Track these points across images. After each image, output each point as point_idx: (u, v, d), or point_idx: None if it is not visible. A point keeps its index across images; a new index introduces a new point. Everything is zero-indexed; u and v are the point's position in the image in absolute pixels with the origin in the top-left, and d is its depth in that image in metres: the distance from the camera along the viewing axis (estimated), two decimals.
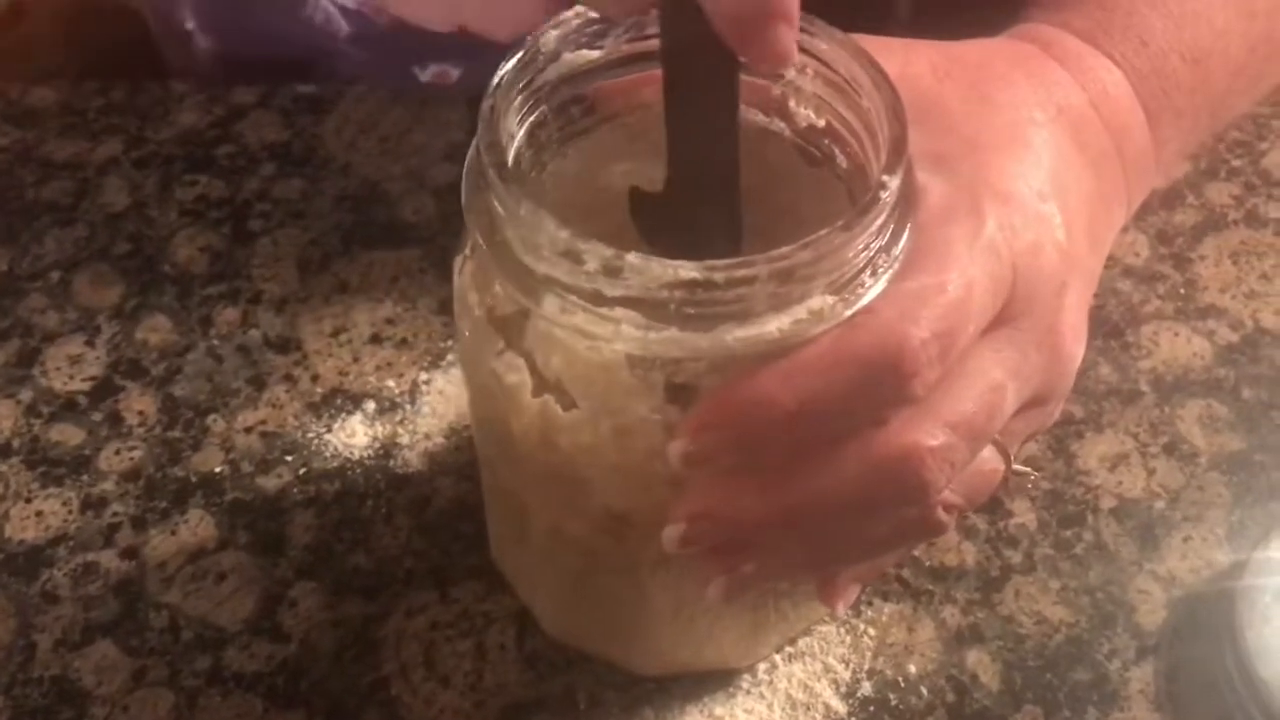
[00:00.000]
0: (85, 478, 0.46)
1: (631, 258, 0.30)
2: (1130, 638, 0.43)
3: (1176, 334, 0.51)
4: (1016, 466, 0.36)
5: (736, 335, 0.31)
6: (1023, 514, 0.46)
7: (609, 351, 0.32)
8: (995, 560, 0.45)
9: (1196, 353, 0.50)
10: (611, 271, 0.30)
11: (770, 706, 0.42)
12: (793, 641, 0.43)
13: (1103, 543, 0.45)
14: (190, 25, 0.62)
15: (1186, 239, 0.54)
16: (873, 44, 0.34)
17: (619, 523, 0.35)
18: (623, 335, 0.31)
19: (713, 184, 0.33)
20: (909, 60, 0.36)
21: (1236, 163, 0.57)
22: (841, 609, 0.42)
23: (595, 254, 0.30)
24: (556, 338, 0.33)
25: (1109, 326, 0.51)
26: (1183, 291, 0.52)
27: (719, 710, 0.41)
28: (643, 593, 0.38)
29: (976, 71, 0.37)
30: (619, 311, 0.30)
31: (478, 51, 0.59)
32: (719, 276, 0.30)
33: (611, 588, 0.39)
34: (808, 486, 0.32)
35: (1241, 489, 0.47)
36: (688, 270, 0.30)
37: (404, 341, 0.50)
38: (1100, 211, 0.38)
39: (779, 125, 0.37)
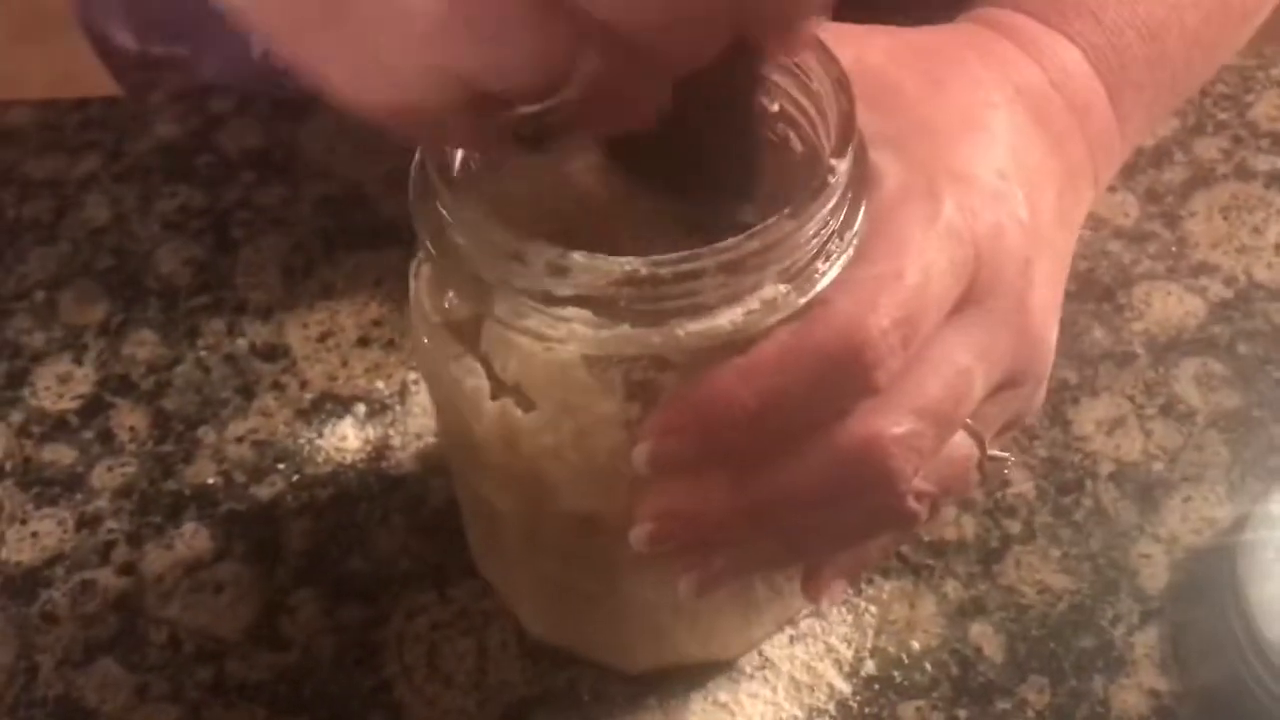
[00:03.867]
0: (79, 496, 0.46)
1: (577, 256, 0.30)
2: (1134, 602, 0.43)
3: (1169, 293, 0.51)
4: (992, 452, 0.35)
5: (689, 329, 0.30)
6: (1020, 483, 0.46)
7: (565, 352, 0.32)
8: (995, 531, 0.45)
9: (1190, 311, 0.50)
10: (557, 271, 0.30)
11: (774, 690, 0.41)
12: (794, 623, 0.43)
13: (1102, 508, 0.45)
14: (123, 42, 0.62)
15: (1176, 196, 0.54)
16: (828, 31, 0.34)
17: (588, 524, 0.35)
18: (575, 335, 0.31)
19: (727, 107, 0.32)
20: (864, 46, 0.36)
21: (1223, 116, 0.56)
22: (826, 603, 0.41)
23: (540, 254, 0.30)
24: (512, 340, 0.33)
25: (1100, 289, 0.51)
26: (1174, 250, 0.52)
27: (723, 696, 0.41)
28: (621, 593, 0.38)
29: (932, 56, 0.37)
30: (570, 310, 0.30)
31: None
32: (665, 271, 0.30)
33: (590, 590, 0.39)
34: (773, 481, 0.32)
35: (1240, 446, 0.46)
36: (633, 265, 0.29)
37: (391, 343, 0.50)
38: (1067, 189, 0.37)
39: None
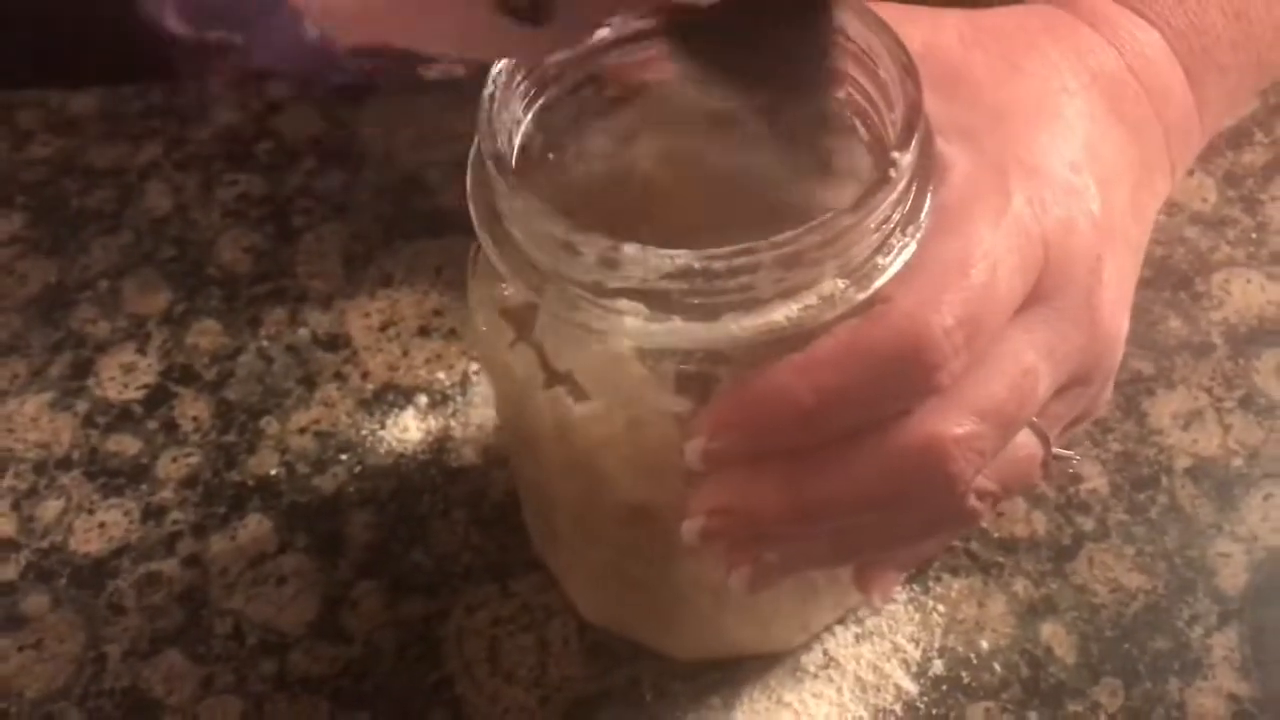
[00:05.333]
0: (144, 487, 0.46)
1: (628, 248, 0.29)
2: (1211, 602, 0.42)
3: (1249, 281, 0.49)
4: (1057, 450, 0.34)
5: (742, 324, 0.30)
6: (1094, 478, 0.45)
7: (618, 343, 0.31)
8: (1067, 528, 0.44)
9: (1271, 300, 0.48)
10: (609, 263, 0.29)
11: (839, 690, 0.41)
12: (860, 621, 0.42)
13: (1179, 505, 0.44)
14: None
15: (1257, 180, 0.52)
16: (898, 12, 0.33)
17: (642, 515, 0.35)
18: (626, 328, 0.30)
19: None
20: (936, 29, 0.35)
21: None
22: (879, 599, 0.41)
23: (592, 246, 0.29)
24: (565, 330, 0.32)
25: (1177, 276, 0.49)
26: (1254, 236, 0.50)
27: (787, 696, 0.41)
28: (675, 581, 0.38)
29: (1006, 40, 0.36)
30: (622, 303, 0.30)
31: None
32: (719, 264, 0.29)
33: (643, 577, 0.39)
34: (828, 480, 0.31)
35: None
36: (685, 258, 0.29)
37: (452, 332, 0.49)
38: (1142, 181, 0.36)
39: None
